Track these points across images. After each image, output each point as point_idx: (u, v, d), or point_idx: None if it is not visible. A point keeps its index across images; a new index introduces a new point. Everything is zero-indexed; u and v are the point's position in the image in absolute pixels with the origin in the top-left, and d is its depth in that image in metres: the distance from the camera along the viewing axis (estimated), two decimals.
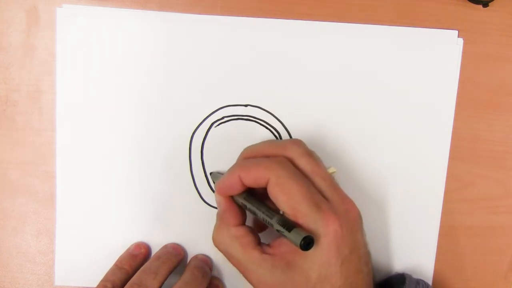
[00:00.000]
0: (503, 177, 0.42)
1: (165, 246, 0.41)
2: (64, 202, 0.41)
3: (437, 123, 0.41)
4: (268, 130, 0.41)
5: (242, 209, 0.37)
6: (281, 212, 0.35)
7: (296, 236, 0.32)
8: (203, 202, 0.41)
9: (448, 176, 0.42)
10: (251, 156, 0.37)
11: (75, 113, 0.40)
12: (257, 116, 0.41)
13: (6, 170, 0.41)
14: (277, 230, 0.33)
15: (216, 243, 0.37)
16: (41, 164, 0.41)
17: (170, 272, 0.39)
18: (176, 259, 0.40)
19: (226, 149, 0.41)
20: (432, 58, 0.40)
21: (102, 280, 0.38)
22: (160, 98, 0.40)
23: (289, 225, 0.33)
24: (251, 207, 0.36)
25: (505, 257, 0.43)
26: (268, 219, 0.34)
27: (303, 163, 0.35)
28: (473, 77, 0.41)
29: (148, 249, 0.41)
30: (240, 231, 0.36)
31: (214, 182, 0.40)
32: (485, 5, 0.40)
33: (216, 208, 0.41)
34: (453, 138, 0.41)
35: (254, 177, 0.35)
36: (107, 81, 0.40)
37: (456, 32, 0.41)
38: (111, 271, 0.39)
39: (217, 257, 0.42)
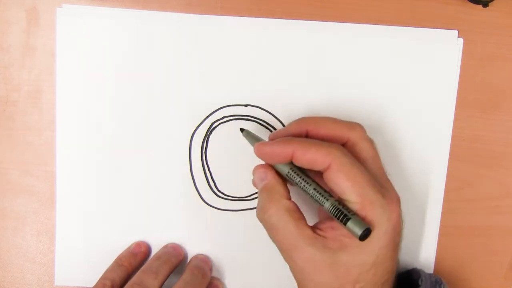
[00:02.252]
0: (503, 177, 0.42)
1: (166, 246, 0.41)
2: (64, 202, 0.41)
3: (437, 123, 0.41)
4: (268, 130, 0.41)
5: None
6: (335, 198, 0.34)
7: (355, 227, 0.31)
8: (203, 202, 0.41)
9: (448, 176, 0.42)
10: (312, 127, 0.36)
11: (75, 113, 0.40)
12: (257, 116, 0.41)
13: (6, 170, 0.41)
14: (330, 213, 0.32)
15: (266, 215, 0.34)
16: (41, 164, 0.41)
17: (171, 272, 0.39)
18: (177, 259, 0.40)
19: (226, 149, 0.41)
20: (432, 58, 0.40)
21: (101, 278, 0.38)
22: (160, 98, 0.40)
23: (345, 213, 0.32)
24: (300, 182, 0.34)
25: (505, 257, 0.43)
26: (320, 200, 0.33)
27: (367, 148, 0.35)
28: (473, 77, 0.41)
29: (148, 248, 0.41)
30: (292, 205, 0.34)
31: (247, 141, 0.38)
32: (485, 5, 0.40)
33: (216, 208, 0.41)
34: (453, 138, 0.41)
35: (311, 159, 0.33)
36: (107, 81, 0.40)
37: (456, 32, 0.41)
38: (111, 269, 0.39)
39: (217, 258, 0.42)
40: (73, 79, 0.40)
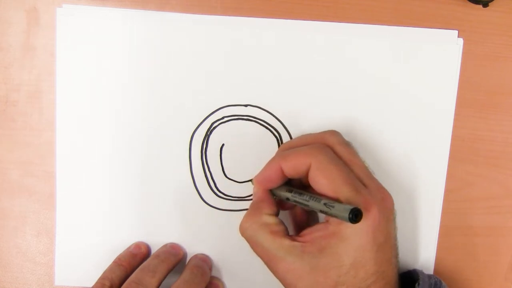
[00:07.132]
0: (503, 177, 0.42)
1: (165, 246, 0.41)
2: (64, 202, 0.41)
3: (437, 123, 0.41)
4: (268, 130, 0.41)
5: (277, 203, 0.37)
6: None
7: (343, 210, 0.31)
8: (203, 202, 0.41)
9: (448, 176, 0.42)
10: (290, 147, 0.37)
11: (75, 113, 0.40)
12: (257, 116, 0.41)
13: (6, 170, 0.41)
14: (322, 211, 0.33)
15: (243, 229, 0.36)
16: (41, 164, 0.41)
17: (169, 271, 0.39)
18: (175, 258, 0.40)
19: (226, 149, 0.41)
20: (432, 58, 0.40)
21: (100, 278, 0.38)
22: (160, 98, 0.40)
23: (331, 203, 0.33)
24: (294, 195, 0.35)
25: (505, 257, 0.43)
26: (314, 201, 0.34)
27: (341, 151, 0.36)
28: (473, 77, 0.41)
29: (148, 249, 0.41)
30: (272, 219, 0.36)
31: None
32: (485, 5, 0.40)
33: (216, 208, 0.41)
34: (453, 138, 0.41)
35: (294, 165, 0.35)
36: (107, 81, 0.40)
37: (456, 32, 0.41)
38: (110, 269, 0.39)
39: (217, 257, 0.42)
40: (73, 79, 0.40)
